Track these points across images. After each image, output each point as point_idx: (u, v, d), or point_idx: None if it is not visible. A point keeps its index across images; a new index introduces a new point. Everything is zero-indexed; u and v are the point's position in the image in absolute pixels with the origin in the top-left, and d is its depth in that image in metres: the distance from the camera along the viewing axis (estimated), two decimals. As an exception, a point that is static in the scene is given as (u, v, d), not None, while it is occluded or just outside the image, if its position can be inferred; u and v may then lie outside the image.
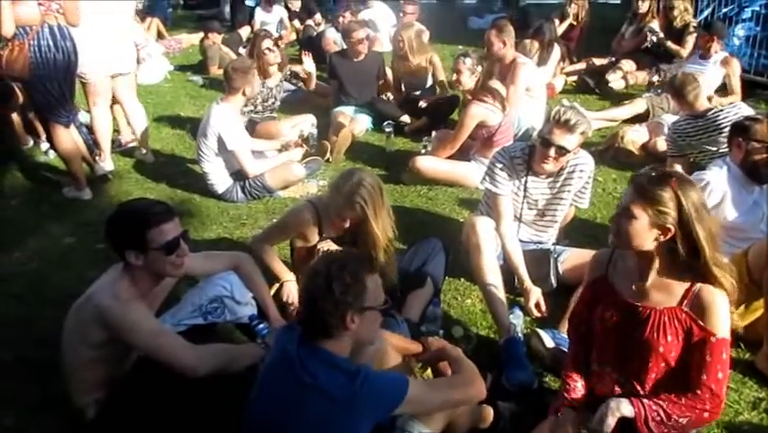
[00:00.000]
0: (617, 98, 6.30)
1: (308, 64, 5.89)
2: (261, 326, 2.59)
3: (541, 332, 2.85)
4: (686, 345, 1.97)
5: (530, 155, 3.20)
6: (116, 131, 5.38)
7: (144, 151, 5.27)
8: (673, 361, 2.00)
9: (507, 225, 3.19)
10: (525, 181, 3.24)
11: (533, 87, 5.15)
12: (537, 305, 2.96)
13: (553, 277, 3.23)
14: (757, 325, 2.80)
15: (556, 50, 6.51)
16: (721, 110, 4.31)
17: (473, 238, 3.00)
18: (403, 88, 6.02)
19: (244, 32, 9.45)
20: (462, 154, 4.70)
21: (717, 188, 3.04)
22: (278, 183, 4.56)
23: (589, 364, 2.22)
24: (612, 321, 2.11)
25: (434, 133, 5.13)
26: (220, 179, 4.51)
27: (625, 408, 1.97)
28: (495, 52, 5.07)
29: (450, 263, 3.20)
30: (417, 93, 5.92)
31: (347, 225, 2.77)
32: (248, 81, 4.46)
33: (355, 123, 5.63)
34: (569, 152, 3.00)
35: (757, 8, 6.73)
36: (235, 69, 4.47)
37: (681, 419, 1.94)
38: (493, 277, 2.94)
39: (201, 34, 8.54)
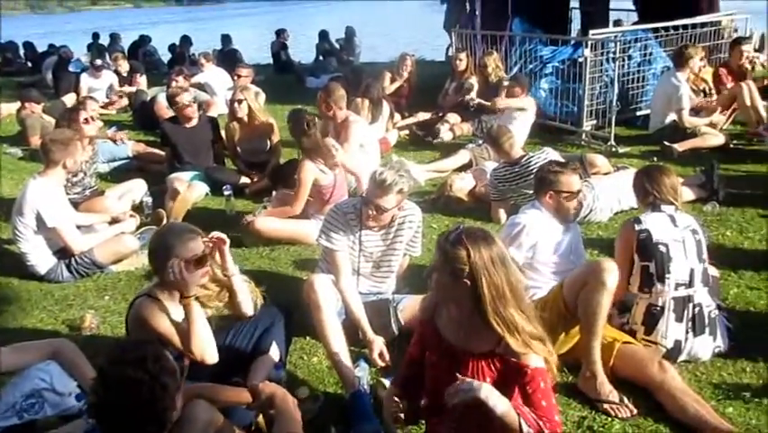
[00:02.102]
0: (447, 149, 6.75)
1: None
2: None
3: (386, 381, 2.90)
4: (506, 386, 2.09)
5: (362, 209, 3.33)
6: None
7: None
8: None
9: (346, 280, 3.26)
10: (360, 235, 3.35)
11: (366, 143, 5.38)
12: (381, 355, 3.07)
13: (394, 325, 3.33)
14: (576, 349, 3.06)
15: (385, 107, 6.88)
16: (532, 156, 4.78)
17: (312, 296, 3.03)
18: (239, 151, 5.99)
19: (69, 99, 8.96)
20: (302, 212, 4.75)
21: (531, 229, 3.29)
22: (109, 257, 4.30)
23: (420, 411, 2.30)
24: (439, 368, 2.22)
25: (274, 194, 5.15)
26: (41, 258, 4.17)
27: (484, 391, 2.00)
28: (324, 113, 5.27)
29: (295, 323, 3.19)
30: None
31: None
32: (69, 153, 4.21)
33: (192, 188, 5.49)
34: (388, 210, 3.19)
35: (557, 64, 7.61)
36: (54, 141, 4.21)
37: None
38: (335, 333, 2.98)
39: (18, 103, 7.95)
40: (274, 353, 2.95)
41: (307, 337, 3.38)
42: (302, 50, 16.04)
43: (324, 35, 14.40)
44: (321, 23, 18.22)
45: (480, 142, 6.27)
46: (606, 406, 2.78)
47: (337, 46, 14.56)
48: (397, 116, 7.70)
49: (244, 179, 5.75)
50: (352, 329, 3.18)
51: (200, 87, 8.70)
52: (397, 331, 3.32)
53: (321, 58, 14.02)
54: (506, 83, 7.18)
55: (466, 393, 1.98)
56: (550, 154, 4.87)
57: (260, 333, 2.93)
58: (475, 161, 5.93)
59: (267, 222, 4.62)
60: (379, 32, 24.34)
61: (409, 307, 3.35)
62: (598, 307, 2.82)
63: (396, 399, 2.31)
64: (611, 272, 2.85)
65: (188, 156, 5.78)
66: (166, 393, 1.83)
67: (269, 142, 5.94)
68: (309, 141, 4.54)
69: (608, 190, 4.85)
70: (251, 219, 4.61)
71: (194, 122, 5.85)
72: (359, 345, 3.21)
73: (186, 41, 14.71)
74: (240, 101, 5.79)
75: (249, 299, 2.95)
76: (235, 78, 8.24)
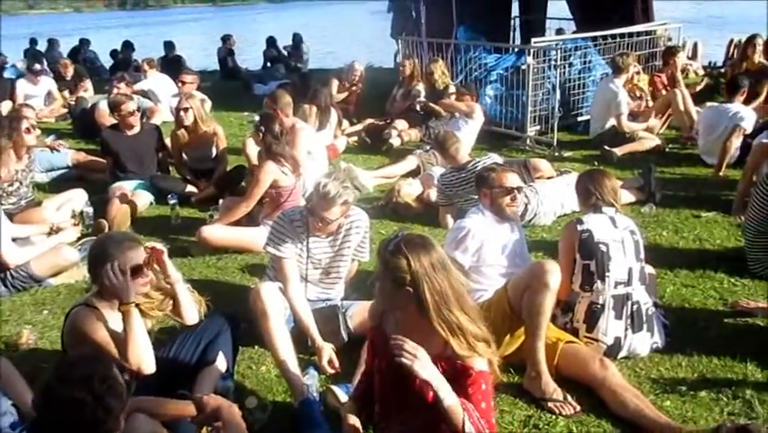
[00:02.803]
0: (396, 155, 6.80)
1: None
2: (24, 435, 2.30)
3: (335, 388, 2.90)
4: (453, 388, 2.09)
5: (308, 217, 3.33)
6: None
7: None
8: None
9: (294, 287, 3.25)
10: (307, 242, 3.34)
11: (314, 151, 5.37)
12: (330, 362, 3.08)
13: (343, 332, 3.32)
14: (521, 350, 3.12)
15: (333, 114, 6.89)
16: (479, 161, 4.87)
17: (259, 305, 3.00)
18: (185, 159, 5.88)
19: (5, 106, 8.61)
20: (251, 219, 4.71)
21: (476, 233, 3.35)
22: (47, 270, 4.15)
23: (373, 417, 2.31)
24: (388, 374, 2.23)
25: (221, 202, 5.08)
26: (-26, 273, 3.98)
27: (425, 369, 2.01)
28: (278, 117, 5.21)
29: (243, 332, 3.15)
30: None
31: None
32: (2, 162, 4.05)
33: (136, 197, 5.36)
34: (333, 221, 3.22)
35: (502, 71, 7.79)
36: (-15, 150, 4.05)
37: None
38: (282, 341, 2.95)
39: (-53, 113, 7.59)
40: (221, 363, 2.90)
41: (256, 346, 3.33)
42: (250, 57, 15.91)
43: (271, 41, 14.30)
44: (269, 29, 18.12)
45: (428, 147, 6.35)
46: (550, 404, 2.84)
47: (285, 53, 14.48)
48: (346, 123, 7.73)
49: (190, 188, 5.65)
50: (300, 337, 3.17)
51: (143, 93, 8.51)
52: (347, 338, 3.32)
53: (269, 64, 13.92)
54: (452, 89, 7.31)
55: (409, 360, 1.99)
56: (494, 159, 4.97)
57: (206, 343, 2.87)
58: (423, 167, 5.99)
59: (214, 230, 4.55)
60: (327, 39, 24.32)
61: (358, 313, 3.35)
62: (541, 307, 2.89)
63: (354, 422, 2.33)
64: (554, 274, 2.92)
65: (132, 165, 5.64)
66: (110, 415, 1.79)
67: (215, 150, 5.85)
68: (279, 146, 4.51)
69: (552, 194, 4.99)
70: (200, 229, 4.54)
71: (136, 129, 5.72)
72: (308, 352, 3.19)
73: (128, 46, 14.36)
74: (186, 109, 5.69)
75: (193, 307, 2.92)
76: (179, 84, 8.08)
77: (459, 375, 2.11)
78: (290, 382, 2.91)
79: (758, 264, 3.97)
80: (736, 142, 5.81)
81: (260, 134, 4.55)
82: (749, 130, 5.80)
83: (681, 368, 3.12)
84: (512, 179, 3.50)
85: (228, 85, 12.29)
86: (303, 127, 5.37)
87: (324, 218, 3.20)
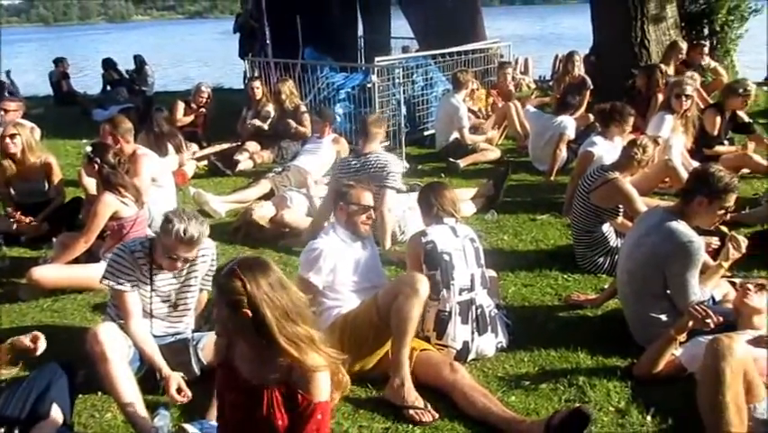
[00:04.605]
0: (248, 177, 6.68)
1: None
2: None
3: (187, 426, 2.76)
4: (293, 416, 2.09)
5: (151, 249, 3.17)
6: None
7: None
8: None
9: (136, 322, 3.09)
10: (151, 275, 3.18)
11: (158, 177, 5.13)
12: (180, 390, 2.92)
13: (195, 365, 3.19)
14: (382, 362, 3.17)
15: (179, 139, 6.63)
16: (379, 154, 4.98)
17: (97, 348, 2.81)
18: (12, 193, 5.35)
19: None
20: (91, 255, 4.39)
21: (329, 252, 3.35)
22: None
23: None
24: (238, 405, 2.18)
25: (54, 240, 4.68)
26: None
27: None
28: (111, 146, 4.91)
29: (84, 379, 2.93)
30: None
31: None
32: None
33: (-47, 239, 4.80)
34: (190, 260, 3.14)
35: (350, 90, 7.96)
36: None
37: None
38: (126, 384, 2.78)
39: None
40: (56, 415, 2.66)
41: (99, 393, 3.11)
42: (87, 81, 14.93)
43: (109, 63, 13.48)
44: (112, 50, 17.15)
45: (281, 169, 6.29)
46: (411, 412, 2.90)
47: (128, 76, 13.74)
48: (195, 147, 7.48)
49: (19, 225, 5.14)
50: (146, 377, 3.00)
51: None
52: (199, 371, 3.19)
53: (109, 88, 13.13)
54: (303, 108, 7.34)
55: None
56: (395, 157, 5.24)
57: (36, 396, 2.62)
58: (276, 189, 5.93)
59: (46, 270, 4.18)
60: (175, 61, 23.47)
61: (210, 344, 3.23)
62: (410, 313, 2.98)
63: None
64: (423, 282, 3.06)
65: (-54, 204, 5.05)
66: None
67: (47, 183, 5.39)
68: (117, 176, 4.24)
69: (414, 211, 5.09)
70: (30, 270, 4.15)
71: (-50, 163, 5.13)
72: (157, 393, 3.02)
73: (-57, 71, 12.92)
74: (12, 136, 5.20)
75: None
76: (1, 113, 7.35)
77: (296, 405, 2.09)
78: (138, 427, 2.75)
79: (584, 260, 4.37)
80: (563, 149, 6.38)
81: (95, 165, 4.27)
82: (573, 136, 6.40)
83: (524, 363, 3.34)
84: (368, 198, 3.57)
85: (64, 111, 11.44)
86: (145, 153, 5.11)
87: (184, 259, 3.10)
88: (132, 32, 52.35)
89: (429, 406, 2.93)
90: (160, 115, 6.58)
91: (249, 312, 2.04)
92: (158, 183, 5.16)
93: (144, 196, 4.66)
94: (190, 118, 7.82)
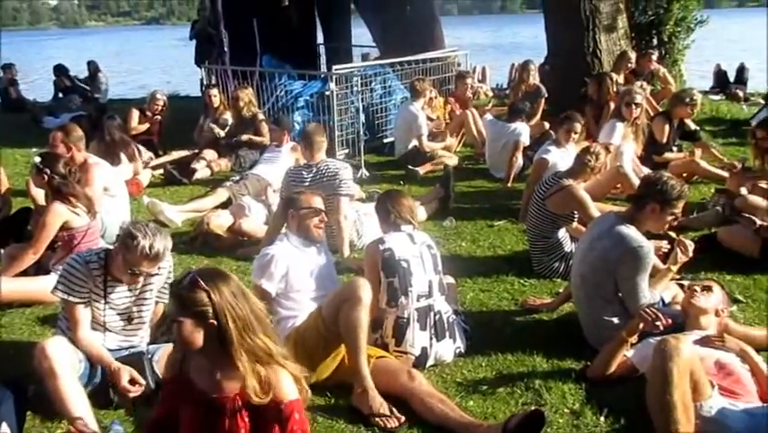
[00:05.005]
0: (206, 186, 6.59)
1: None
2: None
3: (141, 441, 2.72)
4: (264, 424, 2.08)
5: (107, 259, 3.11)
6: None
7: None
8: None
9: (84, 332, 3.03)
10: (105, 288, 3.11)
11: (111, 186, 5.03)
12: (132, 381, 2.91)
13: (150, 378, 3.11)
14: (340, 370, 3.16)
15: (133, 147, 6.51)
16: (330, 161, 5.01)
17: (45, 363, 2.73)
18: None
19: None
20: (41, 267, 4.26)
21: (281, 258, 3.33)
22: None
23: None
24: (196, 419, 2.15)
25: (1, 252, 4.53)
26: None
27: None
28: (62, 155, 4.79)
29: (33, 396, 2.84)
30: None
31: None
32: None
33: None
34: (153, 274, 3.10)
35: (308, 98, 7.94)
36: None
37: None
38: (75, 399, 2.71)
39: None
40: (4, 434, 2.59)
41: (49, 410, 3.01)
42: (37, 88, 14.53)
43: (61, 70, 13.12)
44: (60, 57, 16.72)
45: (238, 178, 6.22)
46: (377, 419, 2.89)
47: (80, 83, 13.42)
48: (151, 155, 7.34)
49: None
50: (98, 392, 2.95)
51: None
52: (155, 385, 3.11)
53: (60, 95, 12.79)
54: (261, 116, 7.29)
55: None
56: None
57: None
58: (234, 198, 5.86)
59: (-10, 285, 4.04)
60: (131, 68, 23.04)
61: (165, 357, 3.18)
62: (357, 321, 2.98)
63: None
64: (365, 288, 3.06)
65: None
66: None
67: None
68: (68, 186, 4.12)
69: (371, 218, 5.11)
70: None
71: None
72: (110, 407, 2.96)
73: None
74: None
75: None
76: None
77: (271, 411, 2.07)
78: (88, 444, 2.67)
79: (540, 265, 4.45)
80: (519, 156, 6.50)
81: (44, 176, 4.15)
82: (528, 143, 6.53)
83: (481, 368, 3.37)
84: (318, 202, 3.57)
85: (12, 118, 11.09)
86: (97, 162, 4.99)
87: (146, 274, 3.06)
88: (86, 38, 51.21)
89: (395, 411, 2.91)
90: (113, 124, 6.42)
91: (215, 322, 2.03)
92: (110, 193, 5.05)
93: (96, 206, 4.56)
94: (145, 126, 7.67)
